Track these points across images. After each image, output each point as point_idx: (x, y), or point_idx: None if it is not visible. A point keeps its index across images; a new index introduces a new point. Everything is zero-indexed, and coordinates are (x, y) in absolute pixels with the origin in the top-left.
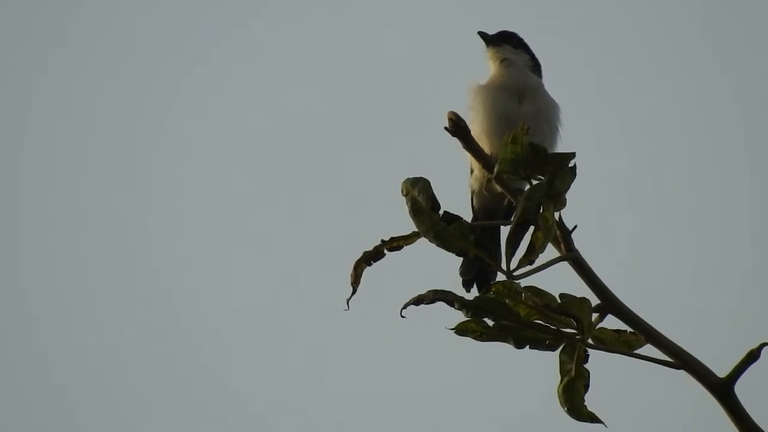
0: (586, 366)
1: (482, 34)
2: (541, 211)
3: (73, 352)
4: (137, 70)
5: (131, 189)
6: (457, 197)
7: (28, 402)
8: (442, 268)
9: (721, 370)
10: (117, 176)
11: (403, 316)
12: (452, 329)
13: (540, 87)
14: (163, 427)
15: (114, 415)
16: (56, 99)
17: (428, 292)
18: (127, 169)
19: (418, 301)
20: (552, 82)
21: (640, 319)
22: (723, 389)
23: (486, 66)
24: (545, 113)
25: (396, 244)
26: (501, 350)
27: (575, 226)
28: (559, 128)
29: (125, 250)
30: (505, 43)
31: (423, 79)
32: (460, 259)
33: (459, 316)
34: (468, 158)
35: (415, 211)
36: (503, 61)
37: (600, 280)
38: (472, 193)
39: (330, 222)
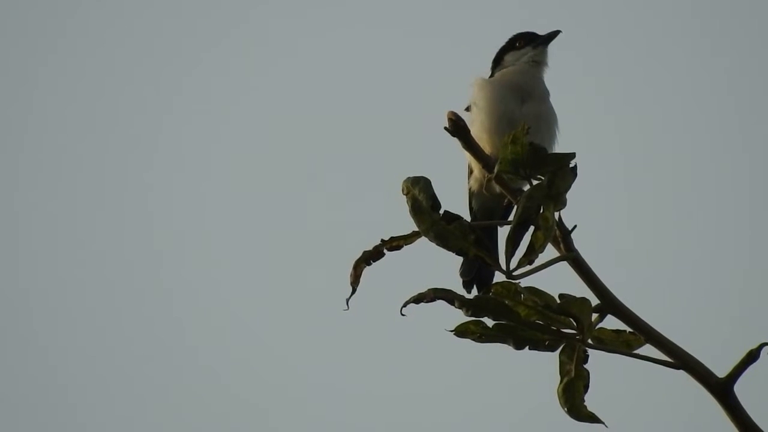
0: (586, 366)
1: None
2: (541, 211)
3: (73, 352)
4: (137, 68)
5: (131, 188)
6: (455, 197)
7: (27, 402)
8: (442, 268)
9: (721, 370)
10: (117, 176)
11: (403, 314)
12: (452, 331)
13: (547, 95)
14: (162, 427)
15: (114, 415)
16: (56, 98)
17: (428, 290)
18: (127, 169)
19: (418, 299)
20: (551, 81)
21: (640, 319)
22: (722, 389)
23: (520, 60)
24: (546, 117)
25: (396, 243)
26: (501, 351)
27: (575, 226)
28: (557, 133)
29: (125, 249)
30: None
31: (423, 79)
32: (460, 260)
33: (459, 317)
34: (467, 158)
35: (416, 210)
36: (541, 63)
37: (599, 280)
38: (471, 193)
39: (329, 221)
